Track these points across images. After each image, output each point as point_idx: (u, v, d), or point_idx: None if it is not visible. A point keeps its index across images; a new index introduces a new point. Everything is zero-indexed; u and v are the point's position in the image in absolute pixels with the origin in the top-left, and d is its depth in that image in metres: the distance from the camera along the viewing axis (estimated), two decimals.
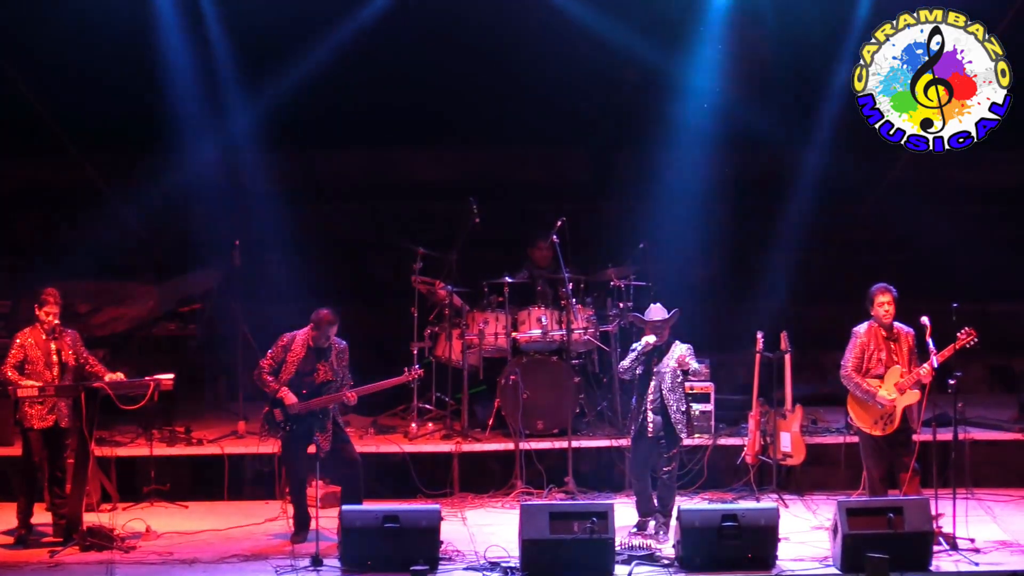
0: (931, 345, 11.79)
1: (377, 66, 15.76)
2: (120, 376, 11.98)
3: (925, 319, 11.90)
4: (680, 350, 11.93)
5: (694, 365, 12.00)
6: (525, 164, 17.10)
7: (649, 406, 11.84)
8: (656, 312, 11.91)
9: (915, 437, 12.07)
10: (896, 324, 12.04)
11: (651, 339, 11.82)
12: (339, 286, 15.20)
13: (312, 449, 12.03)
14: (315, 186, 16.61)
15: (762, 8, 15.47)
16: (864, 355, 12.04)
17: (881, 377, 11.99)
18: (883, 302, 11.98)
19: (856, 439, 12.56)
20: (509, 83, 16.00)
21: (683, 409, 11.90)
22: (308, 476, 12.14)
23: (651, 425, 11.82)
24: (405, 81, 15.99)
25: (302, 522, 12.10)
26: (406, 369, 12.43)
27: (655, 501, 12.04)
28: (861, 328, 12.13)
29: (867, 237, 16.91)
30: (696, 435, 13.51)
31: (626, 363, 11.94)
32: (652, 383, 11.87)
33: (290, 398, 11.94)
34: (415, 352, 14.23)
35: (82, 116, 15.51)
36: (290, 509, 12.26)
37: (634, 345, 12.07)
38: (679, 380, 11.98)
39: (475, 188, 14.99)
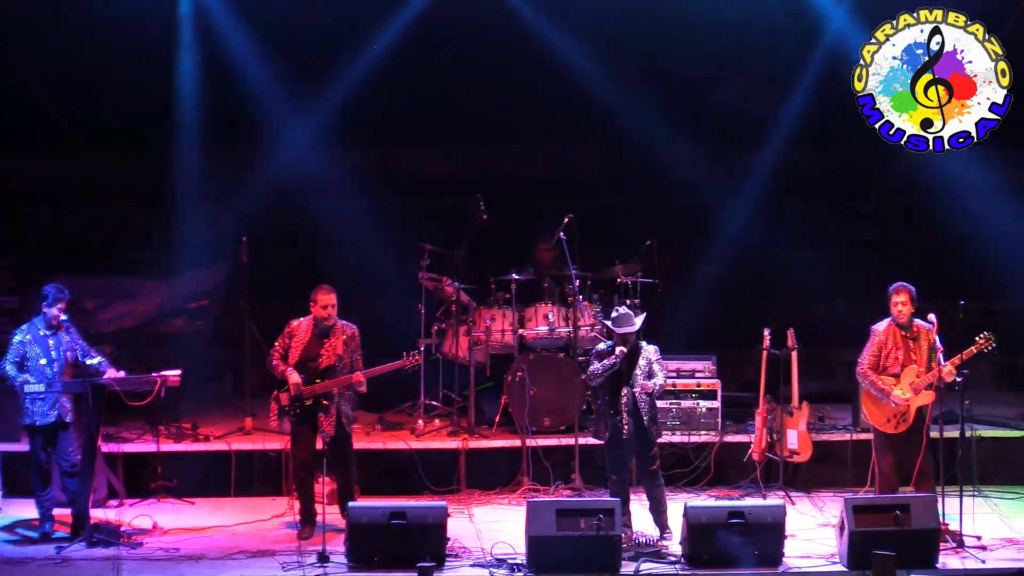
0: (938, 343, 11.76)
1: (386, 63, 15.74)
2: (121, 374, 11.99)
3: (932, 317, 11.90)
4: (648, 353, 11.83)
5: (658, 382, 11.82)
6: (533, 160, 17.09)
7: (623, 409, 11.78)
8: (626, 320, 11.79)
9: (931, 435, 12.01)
10: (917, 321, 11.90)
11: (623, 348, 11.71)
12: (346, 281, 15.17)
13: (319, 443, 12.05)
14: (323, 182, 16.58)
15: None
16: (881, 353, 11.95)
17: (897, 376, 11.93)
18: (897, 302, 11.88)
19: (864, 436, 12.51)
20: (518, 78, 16.00)
21: (651, 411, 11.82)
22: (315, 471, 12.13)
23: (626, 427, 11.76)
24: (413, 78, 15.98)
25: (308, 518, 12.10)
26: (404, 353, 12.36)
27: (649, 503, 11.98)
28: (880, 326, 12.01)
29: (874, 234, 16.88)
30: (703, 432, 13.52)
31: (598, 370, 11.77)
32: (624, 386, 11.81)
33: (294, 377, 11.97)
34: (422, 348, 14.22)
35: (89, 111, 15.53)
36: (297, 505, 12.27)
37: (597, 347, 11.98)
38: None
39: (482, 184, 14.99)
